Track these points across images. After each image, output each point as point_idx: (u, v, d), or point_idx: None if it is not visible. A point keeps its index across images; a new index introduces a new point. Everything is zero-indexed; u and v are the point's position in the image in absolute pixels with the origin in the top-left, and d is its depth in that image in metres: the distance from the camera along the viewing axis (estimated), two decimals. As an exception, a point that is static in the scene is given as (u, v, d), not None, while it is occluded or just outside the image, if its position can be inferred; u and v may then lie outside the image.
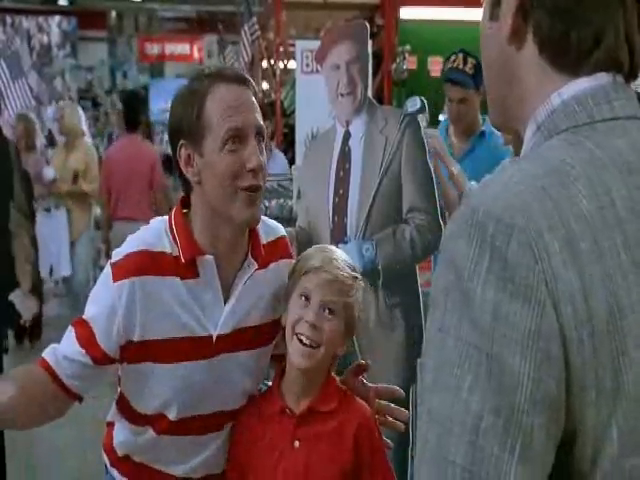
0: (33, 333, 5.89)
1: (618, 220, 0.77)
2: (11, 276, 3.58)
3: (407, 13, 7.75)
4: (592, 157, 0.80)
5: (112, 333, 1.55)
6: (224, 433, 1.71)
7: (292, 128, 5.14)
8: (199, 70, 1.61)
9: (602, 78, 0.85)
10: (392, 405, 1.75)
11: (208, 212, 1.57)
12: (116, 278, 1.54)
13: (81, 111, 6.73)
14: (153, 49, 16.46)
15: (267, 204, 3.78)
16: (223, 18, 13.22)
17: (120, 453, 1.75)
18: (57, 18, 14.65)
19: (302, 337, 1.57)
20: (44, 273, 5.98)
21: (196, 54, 16.15)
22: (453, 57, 3.39)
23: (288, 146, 5.67)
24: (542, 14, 0.85)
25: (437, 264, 0.82)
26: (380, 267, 2.50)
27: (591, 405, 0.75)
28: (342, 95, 2.62)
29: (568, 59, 0.86)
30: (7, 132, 5.08)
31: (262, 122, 1.57)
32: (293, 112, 5.13)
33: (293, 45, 5.25)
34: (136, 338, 1.56)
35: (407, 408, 1.79)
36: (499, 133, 3.17)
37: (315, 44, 3.06)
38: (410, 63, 7.28)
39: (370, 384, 1.74)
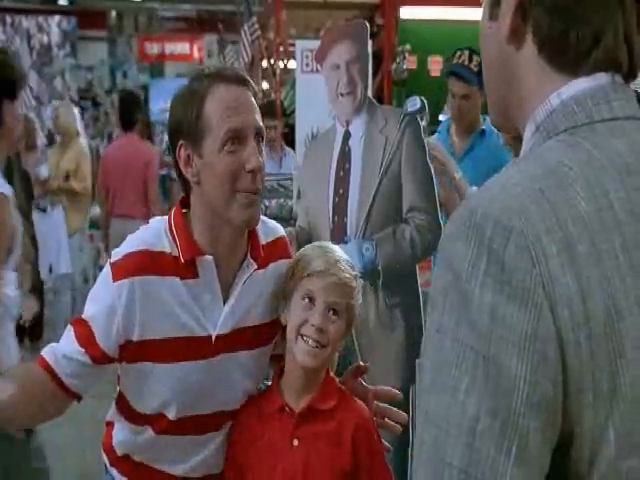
0: (33, 333, 5.89)
1: (616, 222, 0.77)
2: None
3: (407, 13, 7.73)
4: (590, 158, 0.80)
5: (111, 332, 1.55)
6: (224, 433, 1.70)
7: (292, 128, 5.13)
8: (199, 70, 1.61)
9: (601, 78, 0.85)
10: (390, 407, 1.74)
11: (207, 212, 1.57)
12: (116, 278, 1.54)
13: (77, 111, 6.74)
14: (153, 49, 16.44)
15: (267, 204, 3.78)
16: (223, 18, 13.23)
17: (119, 453, 1.75)
18: (57, 18, 14.64)
19: (309, 340, 1.58)
20: (44, 273, 5.98)
21: (196, 54, 16.14)
22: (459, 53, 3.40)
23: (288, 146, 5.66)
24: (541, 13, 0.85)
25: (436, 264, 0.82)
26: (380, 267, 2.50)
27: (588, 407, 0.75)
28: (342, 95, 2.62)
29: (567, 59, 0.86)
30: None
31: (262, 123, 1.57)
32: (293, 112, 5.12)
33: (293, 45, 5.25)
34: (135, 338, 1.56)
35: (407, 408, 1.79)
36: (499, 133, 3.17)
37: (315, 44, 3.06)
38: (410, 63, 7.26)
39: (369, 386, 1.74)
